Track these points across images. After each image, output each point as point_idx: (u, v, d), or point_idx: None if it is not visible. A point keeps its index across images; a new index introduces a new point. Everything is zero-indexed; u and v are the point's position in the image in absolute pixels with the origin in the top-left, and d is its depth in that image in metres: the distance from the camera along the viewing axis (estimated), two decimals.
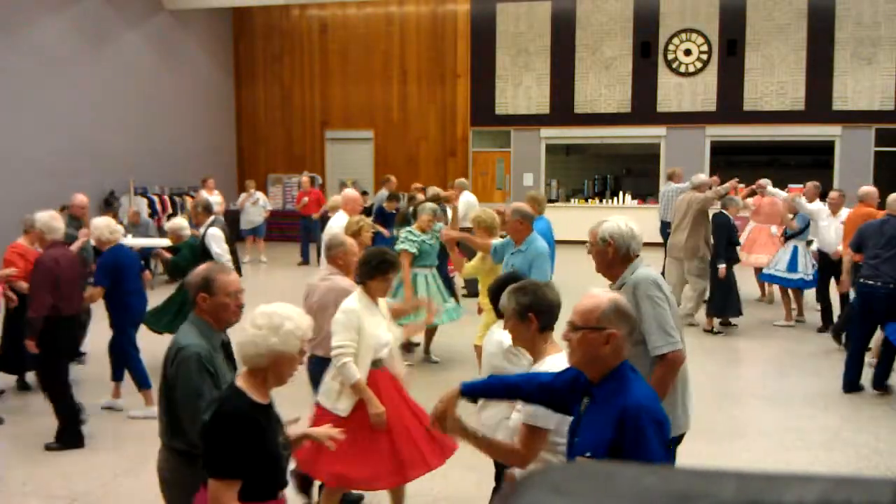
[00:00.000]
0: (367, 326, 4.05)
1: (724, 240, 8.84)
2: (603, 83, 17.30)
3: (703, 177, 9.78)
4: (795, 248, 9.39)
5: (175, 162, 16.73)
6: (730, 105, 16.67)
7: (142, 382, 6.30)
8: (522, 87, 17.77)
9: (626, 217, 3.56)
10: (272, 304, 2.70)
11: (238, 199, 15.55)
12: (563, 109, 17.52)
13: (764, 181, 10.51)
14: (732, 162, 18.34)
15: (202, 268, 3.30)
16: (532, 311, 2.91)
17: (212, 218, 7.45)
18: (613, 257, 3.43)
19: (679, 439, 3.60)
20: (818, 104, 16.22)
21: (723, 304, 8.89)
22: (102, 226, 6.29)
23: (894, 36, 15.87)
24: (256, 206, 14.99)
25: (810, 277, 9.27)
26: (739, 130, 16.72)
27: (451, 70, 18.17)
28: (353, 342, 4.00)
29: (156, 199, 15.21)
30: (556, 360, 2.92)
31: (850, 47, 16.03)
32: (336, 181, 18.72)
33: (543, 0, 17.50)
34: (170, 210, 15.22)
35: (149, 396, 6.17)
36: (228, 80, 19.23)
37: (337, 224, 6.96)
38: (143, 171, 15.57)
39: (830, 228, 8.80)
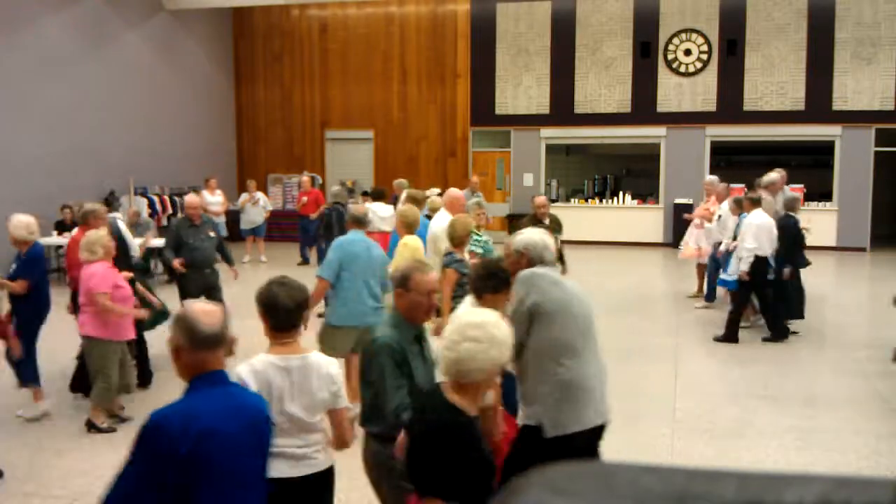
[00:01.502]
0: None
1: (791, 242, 8.75)
2: (603, 83, 17.30)
3: (775, 176, 9.63)
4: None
5: (175, 162, 16.73)
6: (730, 105, 16.67)
7: (32, 378, 6.29)
8: (522, 87, 17.77)
9: (542, 231, 4.05)
10: (474, 314, 2.68)
11: (238, 200, 15.55)
12: (563, 109, 17.52)
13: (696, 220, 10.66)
14: (732, 162, 18.36)
15: (405, 265, 3.55)
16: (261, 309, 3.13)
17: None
18: (527, 267, 3.82)
19: (597, 431, 3.74)
20: (818, 104, 16.22)
21: (786, 307, 8.72)
22: (22, 225, 6.27)
23: (894, 36, 15.87)
24: (257, 207, 14.98)
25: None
26: (739, 130, 16.72)
27: (451, 70, 18.17)
28: None
29: (156, 199, 15.21)
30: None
31: (850, 47, 16.03)
32: (336, 181, 18.73)
33: (543, 0, 17.50)
34: (170, 210, 15.23)
35: (39, 393, 6.27)
36: (228, 80, 19.23)
37: (438, 225, 6.89)
38: (143, 171, 15.57)
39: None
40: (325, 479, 3.15)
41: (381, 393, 3.21)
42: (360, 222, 6.25)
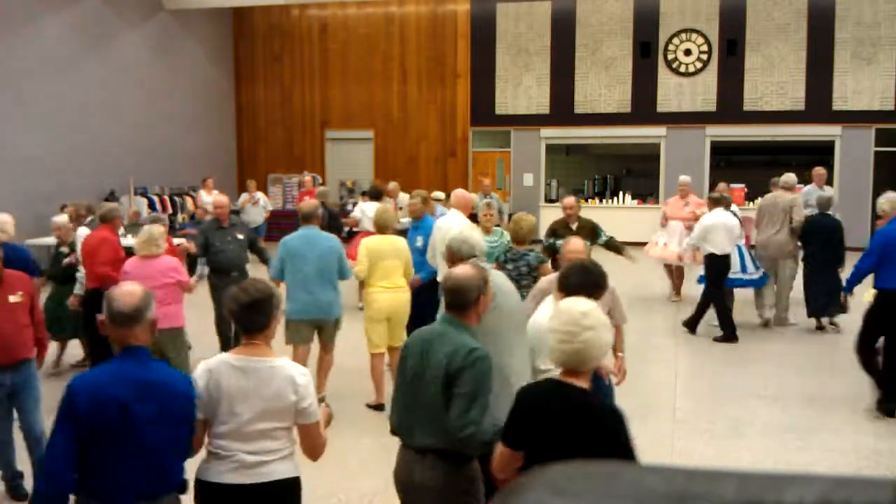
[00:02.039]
0: None
1: (825, 240, 8.84)
2: (603, 83, 17.30)
3: (794, 177, 9.75)
4: (740, 248, 9.21)
5: (175, 162, 16.73)
6: (730, 105, 16.67)
7: None
8: (522, 87, 17.77)
9: (471, 225, 4.35)
10: (575, 304, 2.81)
11: (238, 200, 15.55)
12: (563, 109, 17.52)
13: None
14: (732, 162, 18.35)
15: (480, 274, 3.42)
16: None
17: (90, 218, 7.29)
18: (450, 260, 4.00)
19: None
20: (818, 104, 16.22)
21: (826, 302, 8.80)
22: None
23: (894, 36, 15.87)
24: (257, 207, 14.97)
25: (758, 275, 9.20)
26: (739, 130, 16.72)
27: (451, 70, 18.17)
28: None
29: (156, 198, 15.21)
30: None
31: (850, 47, 16.03)
32: (336, 181, 18.74)
33: (543, 0, 17.50)
34: (170, 210, 15.22)
35: None
36: (228, 80, 19.23)
37: (450, 224, 6.52)
38: (143, 171, 15.57)
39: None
40: (281, 491, 2.99)
41: (477, 407, 3.06)
42: (307, 218, 6.59)
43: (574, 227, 7.70)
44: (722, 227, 8.55)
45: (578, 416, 2.71)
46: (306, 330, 6.37)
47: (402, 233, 8.21)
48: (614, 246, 7.91)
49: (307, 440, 3.05)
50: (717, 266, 8.63)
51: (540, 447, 2.74)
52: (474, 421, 3.02)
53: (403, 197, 11.53)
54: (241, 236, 7.59)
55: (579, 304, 2.82)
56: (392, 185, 12.39)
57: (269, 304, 3.03)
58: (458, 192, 7.29)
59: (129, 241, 10.60)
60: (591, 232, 7.63)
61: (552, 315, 2.90)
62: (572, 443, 2.67)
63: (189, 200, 15.87)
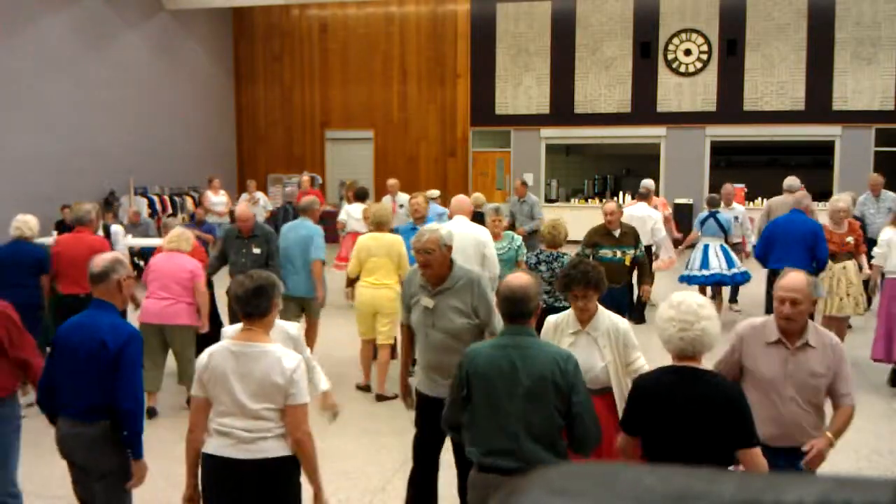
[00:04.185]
0: None
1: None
2: (603, 83, 17.30)
3: (796, 180, 9.98)
4: (706, 247, 9.49)
5: (175, 162, 16.73)
6: (730, 105, 16.67)
7: None
8: (522, 87, 17.77)
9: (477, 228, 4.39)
10: (689, 296, 3.05)
11: (239, 200, 15.54)
12: (563, 109, 17.52)
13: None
14: (732, 162, 18.35)
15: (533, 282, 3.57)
16: None
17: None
18: (447, 259, 4.12)
19: None
20: (818, 104, 16.22)
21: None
22: None
23: (894, 36, 15.87)
24: (257, 206, 14.97)
25: (729, 273, 9.31)
26: (739, 130, 16.72)
27: (451, 70, 18.17)
28: None
29: (156, 199, 15.21)
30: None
31: (850, 47, 16.03)
32: (336, 181, 18.73)
33: (543, 0, 17.50)
34: (170, 210, 15.23)
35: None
36: (228, 80, 19.23)
37: (464, 229, 6.19)
38: (143, 171, 15.57)
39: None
40: (277, 470, 3.20)
41: (589, 418, 3.10)
42: (304, 211, 7.37)
43: (617, 233, 7.31)
44: (639, 220, 9.11)
45: (706, 401, 2.90)
46: (287, 304, 6.59)
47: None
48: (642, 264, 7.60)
49: (289, 422, 3.20)
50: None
51: (659, 433, 2.96)
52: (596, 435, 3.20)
53: (403, 196, 11.51)
54: (257, 250, 7.06)
55: (696, 297, 3.07)
56: (392, 182, 12.11)
57: (271, 290, 3.32)
58: (457, 199, 7.05)
59: (129, 240, 10.63)
60: (635, 238, 7.39)
61: (670, 305, 3.04)
62: (696, 427, 2.87)
63: (189, 200, 15.87)
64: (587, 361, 3.67)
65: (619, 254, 7.28)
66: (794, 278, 3.40)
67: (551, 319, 3.93)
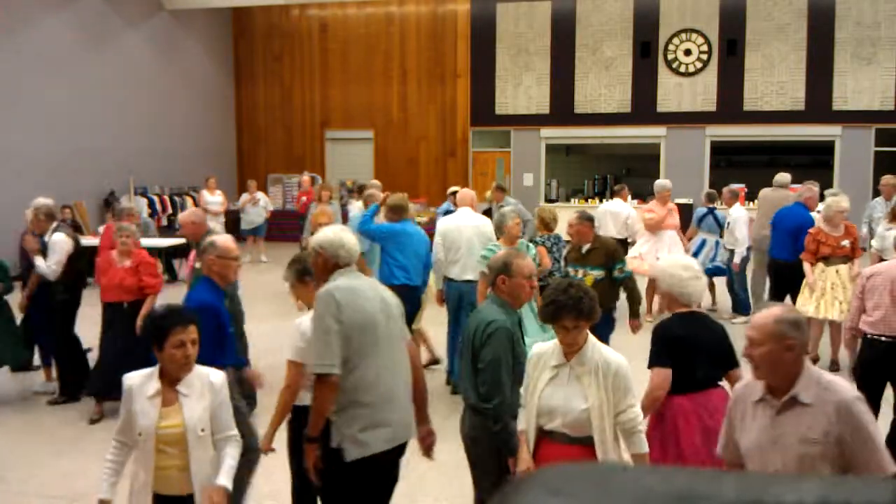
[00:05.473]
0: None
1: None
2: (603, 83, 17.30)
3: (787, 176, 10.00)
4: (703, 242, 9.63)
5: (175, 162, 16.73)
6: (730, 105, 16.67)
7: None
8: (522, 87, 17.77)
9: (342, 227, 3.74)
10: (675, 256, 3.63)
11: (239, 200, 15.55)
12: (563, 109, 17.52)
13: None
14: (732, 162, 18.35)
15: (502, 253, 3.88)
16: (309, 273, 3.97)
17: (55, 224, 6.78)
18: (324, 266, 3.52)
19: (399, 450, 3.51)
20: (818, 104, 16.22)
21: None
22: None
23: (894, 36, 15.87)
24: (257, 207, 14.98)
25: (710, 265, 9.46)
26: (739, 130, 16.72)
27: (451, 70, 18.17)
28: None
29: (156, 199, 15.22)
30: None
31: (850, 47, 16.03)
32: (336, 181, 18.73)
33: (543, 0, 17.50)
34: (170, 210, 15.23)
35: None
36: (228, 80, 19.23)
37: (469, 220, 6.89)
38: (143, 171, 15.58)
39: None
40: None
41: (495, 380, 3.49)
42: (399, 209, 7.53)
43: (584, 249, 6.46)
44: (611, 214, 10.02)
45: (720, 335, 3.78)
46: None
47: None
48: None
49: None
50: None
51: (687, 362, 3.64)
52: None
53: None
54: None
55: (679, 257, 4.00)
56: (371, 189, 9.80)
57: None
58: (463, 192, 7.71)
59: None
60: (606, 256, 6.30)
61: (680, 266, 3.81)
62: (711, 355, 3.70)
63: (189, 200, 15.87)
64: (566, 403, 3.18)
65: (580, 273, 6.18)
66: (761, 315, 2.66)
67: (535, 350, 3.41)
